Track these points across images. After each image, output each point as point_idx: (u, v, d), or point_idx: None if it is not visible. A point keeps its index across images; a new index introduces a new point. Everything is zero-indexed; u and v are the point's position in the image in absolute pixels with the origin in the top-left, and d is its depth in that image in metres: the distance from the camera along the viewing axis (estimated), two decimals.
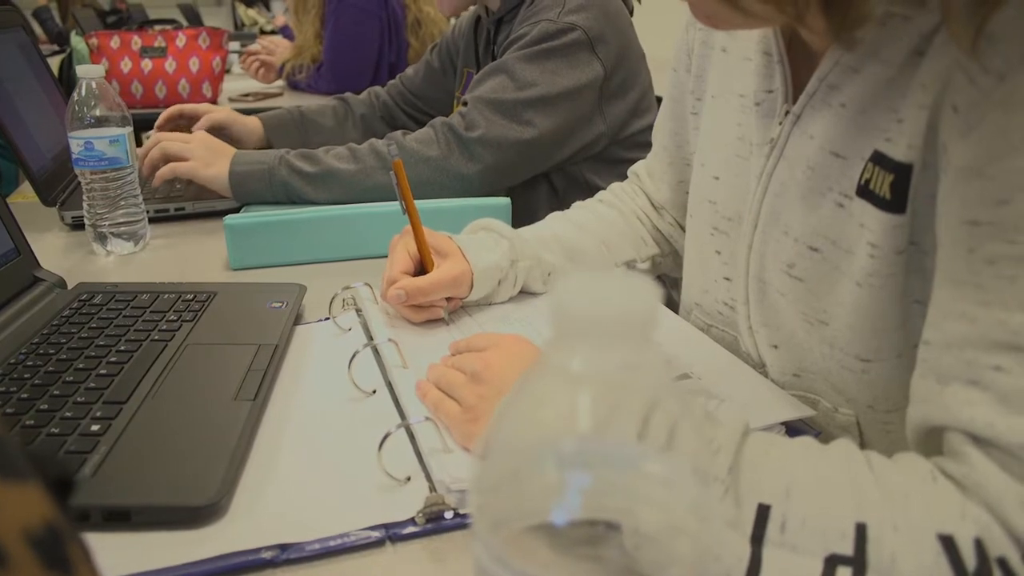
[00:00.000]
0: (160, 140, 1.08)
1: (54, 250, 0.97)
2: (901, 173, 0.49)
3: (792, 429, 0.57)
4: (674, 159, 0.81)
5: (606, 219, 0.83)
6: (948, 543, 0.37)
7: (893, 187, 0.50)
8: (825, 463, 0.42)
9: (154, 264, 0.93)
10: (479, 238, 0.76)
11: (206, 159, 1.06)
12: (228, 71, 2.88)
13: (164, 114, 1.30)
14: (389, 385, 0.62)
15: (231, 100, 2.21)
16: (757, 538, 0.40)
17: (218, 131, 1.27)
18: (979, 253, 0.42)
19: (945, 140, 0.46)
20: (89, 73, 0.88)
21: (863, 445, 0.58)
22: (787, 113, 0.59)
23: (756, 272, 0.63)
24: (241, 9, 5.56)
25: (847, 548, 0.38)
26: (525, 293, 0.79)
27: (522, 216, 0.96)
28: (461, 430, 0.52)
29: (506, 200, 0.97)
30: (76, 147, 0.88)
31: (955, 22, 0.43)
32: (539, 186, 1.22)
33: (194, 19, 4.44)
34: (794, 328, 0.60)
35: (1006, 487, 0.38)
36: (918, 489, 0.40)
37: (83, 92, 0.88)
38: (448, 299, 0.73)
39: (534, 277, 0.77)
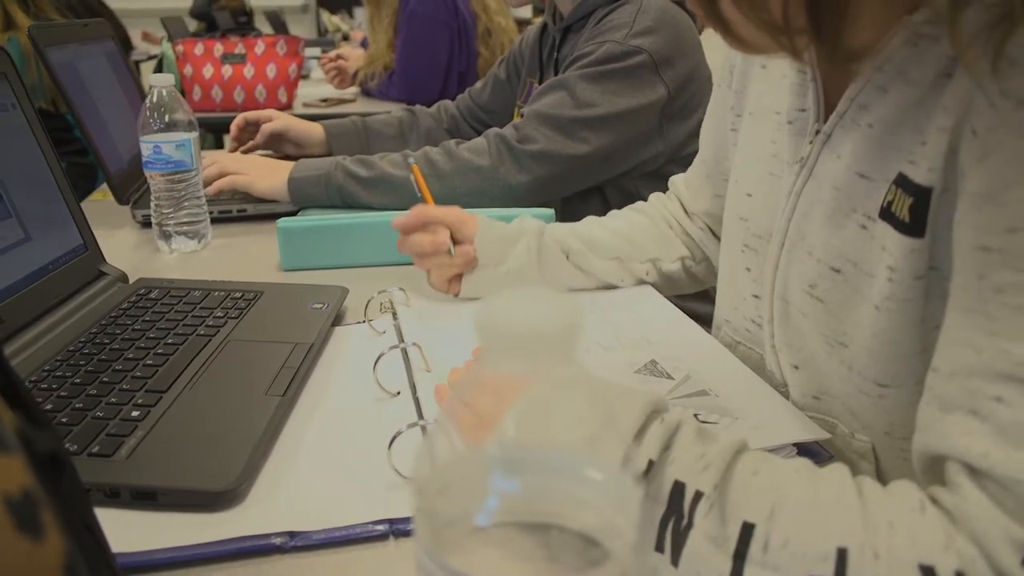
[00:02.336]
0: (217, 160, 1.16)
1: (125, 246, 1.03)
2: (921, 196, 0.48)
3: (805, 451, 0.57)
4: (712, 172, 0.82)
5: (631, 221, 0.87)
6: (929, 574, 0.37)
7: (912, 210, 0.49)
8: (814, 486, 0.42)
9: (213, 262, 0.98)
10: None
11: (262, 173, 1.12)
12: (307, 76, 3.00)
13: (234, 125, 1.38)
14: (413, 387, 0.64)
15: (306, 105, 2.30)
16: (740, 555, 0.40)
17: (280, 136, 1.34)
18: (988, 281, 0.41)
19: (963, 164, 0.45)
20: (160, 81, 0.95)
21: (879, 472, 0.58)
22: (817, 132, 0.59)
23: (780, 291, 0.63)
24: (325, 16, 5.75)
25: (827, 572, 0.38)
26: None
27: None
28: (470, 435, 0.54)
29: (550, 211, 0.99)
30: (146, 150, 0.94)
31: (966, 49, 0.42)
32: (592, 199, 1.23)
33: (279, 26, 4.62)
34: (815, 349, 0.60)
35: (994, 521, 0.38)
36: (904, 517, 0.39)
37: (154, 99, 0.94)
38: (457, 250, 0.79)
39: (551, 250, 0.82)
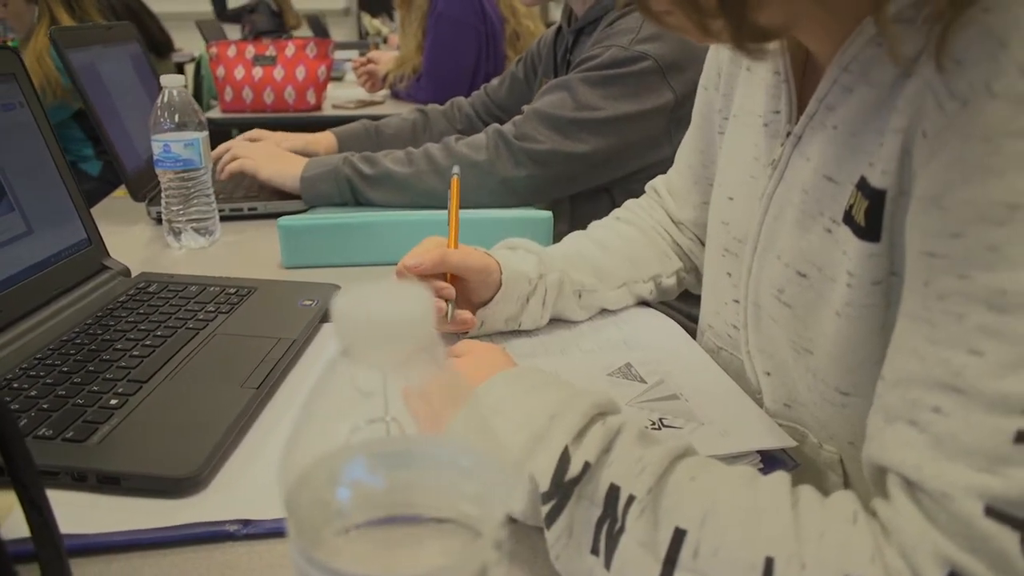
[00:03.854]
0: (231, 146, 1.19)
1: (138, 241, 1.07)
2: (875, 200, 0.48)
3: (770, 459, 0.56)
4: (699, 178, 0.81)
5: (626, 236, 0.84)
6: None
7: (867, 214, 0.48)
8: (750, 494, 0.42)
9: (219, 259, 1.01)
10: (508, 253, 0.78)
11: (268, 159, 1.15)
12: (340, 79, 3.05)
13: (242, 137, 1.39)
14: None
15: (335, 107, 2.34)
16: (670, 561, 0.40)
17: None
18: (932, 287, 0.41)
19: (915, 167, 0.44)
20: (171, 82, 0.98)
21: (847, 484, 0.57)
22: (788, 134, 0.59)
23: (753, 296, 0.62)
24: (366, 19, 5.82)
25: None
26: (558, 321, 0.78)
27: (581, 227, 0.97)
28: (427, 430, 0.55)
29: (547, 214, 0.99)
30: (156, 149, 0.97)
31: (891, 41, 0.42)
32: (600, 200, 1.23)
33: (320, 30, 4.70)
34: (784, 356, 0.59)
35: (922, 535, 0.37)
36: (835, 528, 0.39)
37: (165, 99, 0.97)
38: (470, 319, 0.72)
39: (566, 296, 0.77)
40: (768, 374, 0.62)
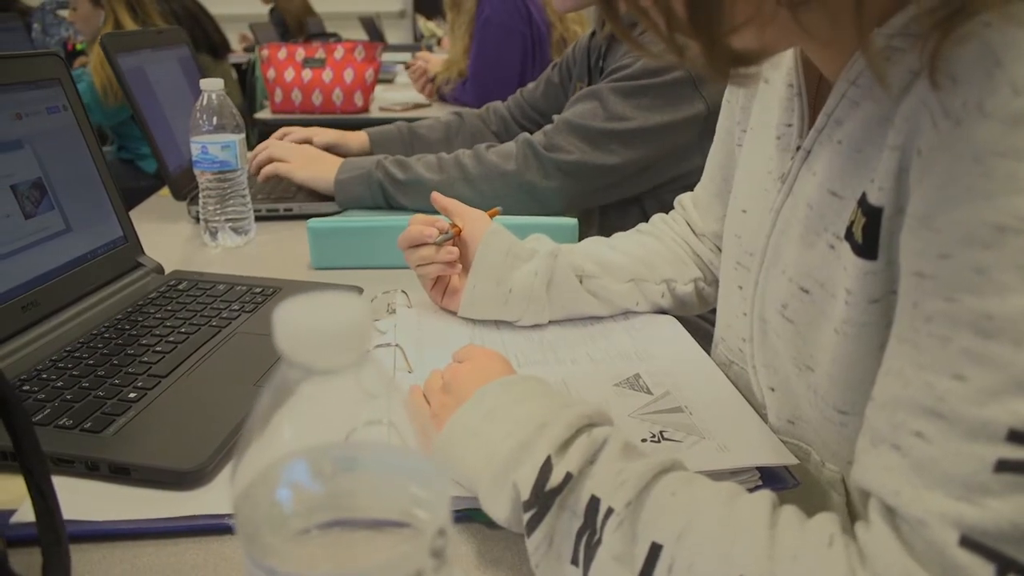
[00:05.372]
0: (268, 146, 1.22)
1: (178, 240, 1.11)
2: (872, 217, 0.47)
3: (771, 476, 0.56)
4: (721, 192, 0.80)
5: (640, 242, 0.85)
6: None
7: (864, 231, 0.48)
8: (729, 512, 0.41)
9: (252, 258, 1.04)
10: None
11: (304, 162, 1.18)
12: (391, 81, 3.10)
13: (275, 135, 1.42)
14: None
15: (382, 109, 2.38)
16: (645, 575, 0.40)
17: (328, 151, 1.38)
18: (921, 308, 0.40)
19: (911, 185, 0.44)
20: (210, 86, 1.01)
21: (849, 504, 0.56)
22: (798, 148, 0.58)
23: (759, 311, 0.62)
24: (421, 21, 5.90)
25: None
26: (569, 324, 0.79)
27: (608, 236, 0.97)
28: (424, 436, 0.56)
29: (572, 221, 0.99)
30: (195, 150, 1.01)
31: (874, 63, 0.41)
32: (630, 210, 1.22)
33: (374, 32, 4.77)
34: (787, 372, 0.58)
35: (897, 562, 0.36)
36: (809, 551, 0.39)
37: (204, 102, 1.01)
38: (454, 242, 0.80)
39: (565, 275, 0.78)
40: (772, 389, 0.61)
